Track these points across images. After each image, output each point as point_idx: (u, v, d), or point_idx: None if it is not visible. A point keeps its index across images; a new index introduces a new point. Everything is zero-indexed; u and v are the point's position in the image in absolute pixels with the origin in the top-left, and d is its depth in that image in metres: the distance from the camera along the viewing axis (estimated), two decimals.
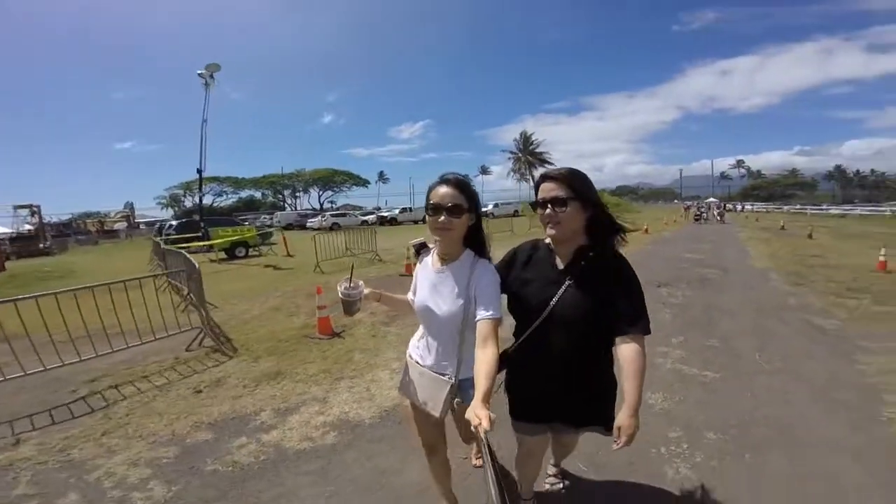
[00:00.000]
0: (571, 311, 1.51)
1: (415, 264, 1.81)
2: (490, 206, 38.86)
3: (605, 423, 1.59)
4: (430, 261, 1.67)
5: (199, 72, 14.23)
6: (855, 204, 54.15)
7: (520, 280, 1.60)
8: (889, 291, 6.85)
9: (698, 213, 30.28)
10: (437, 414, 1.58)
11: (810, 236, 16.52)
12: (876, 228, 21.85)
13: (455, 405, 1.57)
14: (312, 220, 33.42)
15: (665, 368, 3.92)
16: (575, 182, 1.50)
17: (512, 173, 59.71)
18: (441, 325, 1.58)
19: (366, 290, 1.70)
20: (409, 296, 1.78)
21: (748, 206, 56.02)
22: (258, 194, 74.21)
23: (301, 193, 74.75)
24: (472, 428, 1.14)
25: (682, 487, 2.32)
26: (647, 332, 1.48)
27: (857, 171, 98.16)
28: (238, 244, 14.42)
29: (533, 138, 58.53)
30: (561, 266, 1.58)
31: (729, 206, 44.84)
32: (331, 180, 71.02)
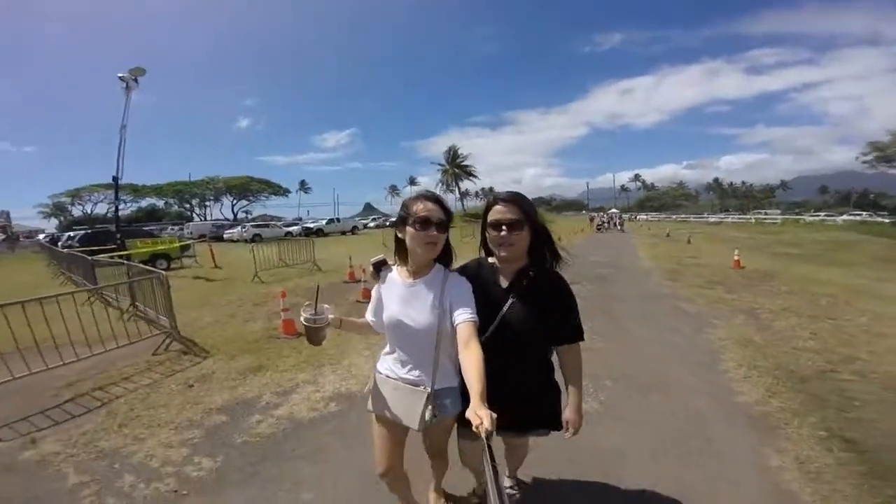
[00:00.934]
0: (517, 325, 1.61)
1: (371, 282, 1.82)
2: None
3: (551, 425, 1.77)
4: (396, 276, 1.68)
5: (120, 75, 13.35)
6: (728, 213, 63.59)
7: None
8: (737, 283, 8.85)
9: (600, 223, 33.86)
10: (415, 426, 1.58)
11: (689, 241, 19.76)
12: (740, 234, 26.31)
13: (430, 418, 1.56)
14: (230, 231, 31.34)
15: None
16: (525, 206, 1.62)
17: (440, 185, 61.31)
18: (416, 338, 1.58)
19: (330, 316, 1.65)
20: (369, 317, 1.80)
21: (642, 216, 63.18)
22: (160, 203, 67.82)
23: (211, 203, 69.12)
24: (474, 428, 1.14)
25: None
26: (583, 339, 1.70)
27: (731, 183, 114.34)
28: (158, 256, 13.82)
29: (460, 152, 60.16)
30: (505, 284, 1.68)
31: (626, 216, 50.36)
32: (247, 189, 66.31)
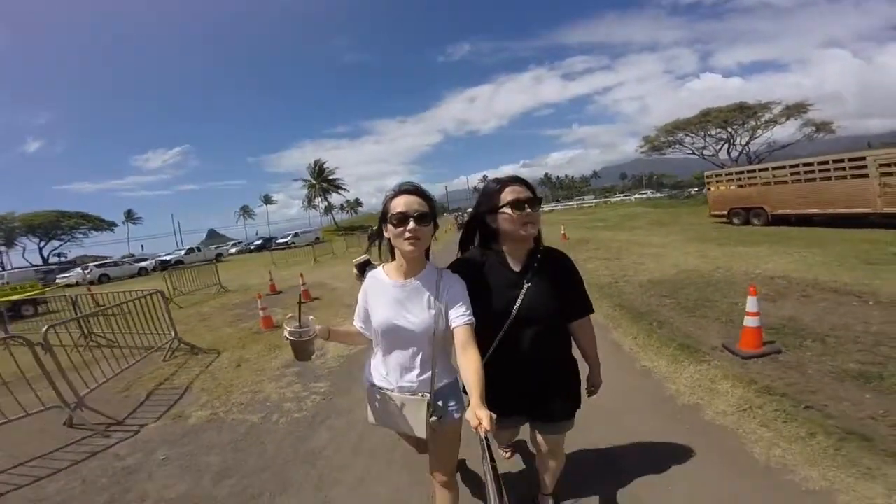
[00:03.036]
0: (536, 309, 1.58)
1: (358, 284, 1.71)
2: (290, 237, 40.05)
3: (576, 406, 1.76)
4: (384, 277, 1.59)
5: None
6: (558, 202, 75.77)
7: (480, 286, 1.59)
8: (565, 248, 12.24)
9: (461, 221, 38.36)
10: (422, 435, 1.52)
11: None
12: (567, 217, 32.66)
13: (432, 423, 1.49)
14: (65, 275, 26.90)
15: None
16: (534, 187, 1.60)
17: (306, 201, 59.18)
18: (411, 340, 1.52)
19: (317, 327, 1.53)
20: (357, 323, 1.69)
21: None
22: None
23: (2, 248, 52.28)
24: (473, 429, 1.15)
25: None
26: (593, 310, 1.73)
27: (558, 176, 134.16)
28: (24, 303, 12.47)
29: (326, 166, 59.09)
30: (518, 268, 1.63)
31: None
32: (56, 226, 52.78)
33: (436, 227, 1.54)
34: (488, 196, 1.61)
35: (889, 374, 3.14)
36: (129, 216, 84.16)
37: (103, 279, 25.34)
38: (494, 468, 1.00)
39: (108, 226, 57.39)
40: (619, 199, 55.69)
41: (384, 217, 1.49)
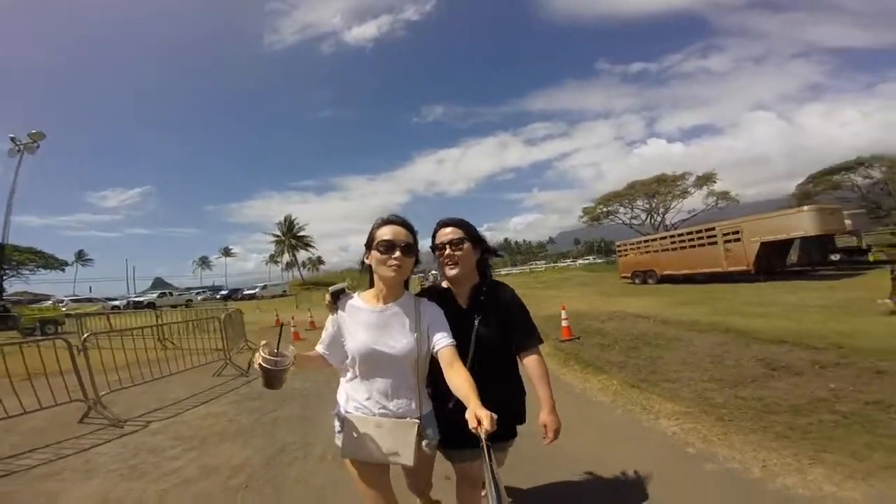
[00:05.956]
0: (489, 341, 1.70)
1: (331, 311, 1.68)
2: (258, 289, 41.94)
3: (515, 427, 1.82)
4: (361, 304, 1.62)
5: (11, 136, 13.26)
6: (515, 266, 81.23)
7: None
8: None
9: (424, 285, 41.68)
10: (409, 461, 1.49)
11: None
12: (517, 280, 36.76)
13: (425, 446, 1.53)
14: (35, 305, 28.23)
15: None
16: (467, 227, 1.78)
17: (271, 256, 61.57)
18: (392, 365, 1.53)
19: (292, 358, 1.46)
20: (320, 349, 1.68)
21: None
22: None
23: None
24: (473, 429, 1.18)
25: None
26: (542, 341, 1.80)
27: (516, 241, 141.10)
28: (48, 321, 14.20)
29: (296, 222, 60.43)
30: (465, 305, 1.76)
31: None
32: (7, 260, 50.32)
33: (417, 262, 1.65)
34: (433, 237, 1.84)
35: (617, 346, 6.58)
36: (80, 257, 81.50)
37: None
38: (494, 469, 1.00)
39: (60, 265, 54.50)
40: (566, 264, 61.28)
41: (369, 244, 1.59)
